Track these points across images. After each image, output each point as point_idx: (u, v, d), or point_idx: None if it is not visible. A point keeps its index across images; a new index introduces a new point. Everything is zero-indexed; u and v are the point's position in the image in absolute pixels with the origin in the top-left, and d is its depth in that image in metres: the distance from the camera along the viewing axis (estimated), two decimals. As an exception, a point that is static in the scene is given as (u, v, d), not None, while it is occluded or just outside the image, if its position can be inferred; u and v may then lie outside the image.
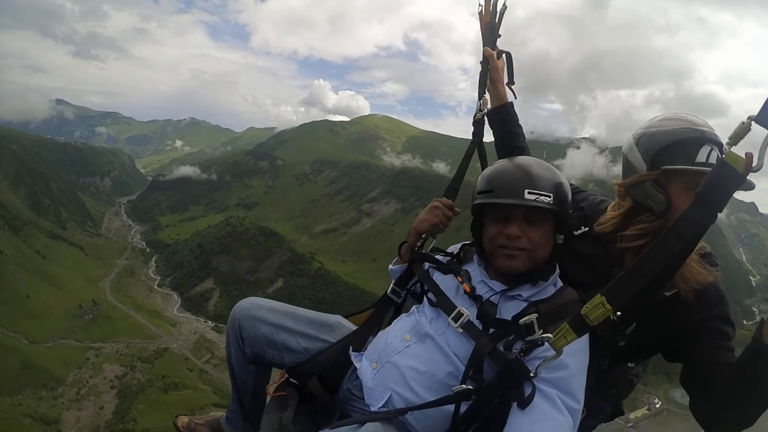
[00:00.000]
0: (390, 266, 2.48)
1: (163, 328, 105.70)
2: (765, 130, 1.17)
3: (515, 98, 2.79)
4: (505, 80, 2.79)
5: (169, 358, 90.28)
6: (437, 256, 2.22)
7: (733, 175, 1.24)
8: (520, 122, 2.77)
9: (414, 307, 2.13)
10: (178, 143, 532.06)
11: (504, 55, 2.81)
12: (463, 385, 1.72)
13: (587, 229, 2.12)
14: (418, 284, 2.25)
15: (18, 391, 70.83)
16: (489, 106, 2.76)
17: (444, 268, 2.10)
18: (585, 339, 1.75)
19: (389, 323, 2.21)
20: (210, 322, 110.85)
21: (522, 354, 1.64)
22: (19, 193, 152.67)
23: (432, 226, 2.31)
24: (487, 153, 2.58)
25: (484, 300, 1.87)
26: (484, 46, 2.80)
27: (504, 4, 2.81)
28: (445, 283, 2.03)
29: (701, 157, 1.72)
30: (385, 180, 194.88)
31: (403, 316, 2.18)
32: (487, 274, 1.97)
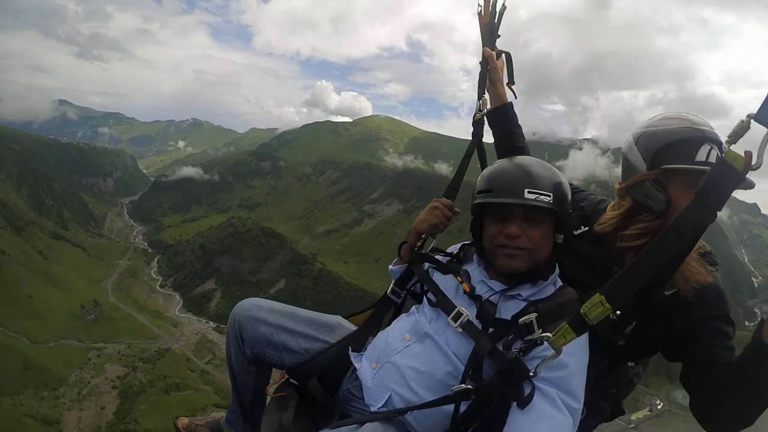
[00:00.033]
0: (390, 267, 2.48)
1: (164, 328, 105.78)
2: (764, 128, 1.17)
3: (515, 98, 2.79)
4: (505, 80, 2.79)
5: (170, 359, 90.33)
6: (437, 257, 2.22)
7: (732, 173, 1.23)
8: (520, 122, 2.76)
9: (414, 308, 2.13)
10: (181, 144, 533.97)
11: (503, 55, 2.81)
12: (463, 385, 1.71)
13: (587, 228, 2.12)
14: (418, 284, 2.25)
15: (20, 391, 70.91)
16: (488, 106, 2.76)
17: (444, 268, 2.10)
18: (584, 338, 1.74)
19: (389, 323, 2.21)
20: (212, 323, 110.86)
21: (521, 353, 1.64)
22: (21, 194, 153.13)
23: (431, 226, 2.31)
24: (488, 153, 2.58)
25: (483, 300, 1.87)
26: (483, 46, 2.80)
27: (503, 4, 2.80)
28: (445, 283, 2.02)
29: (701, 156, 1.71)
30: (387, 181, 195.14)
31: (402, 316, 2.17)
32: (487, 273, 1.97)
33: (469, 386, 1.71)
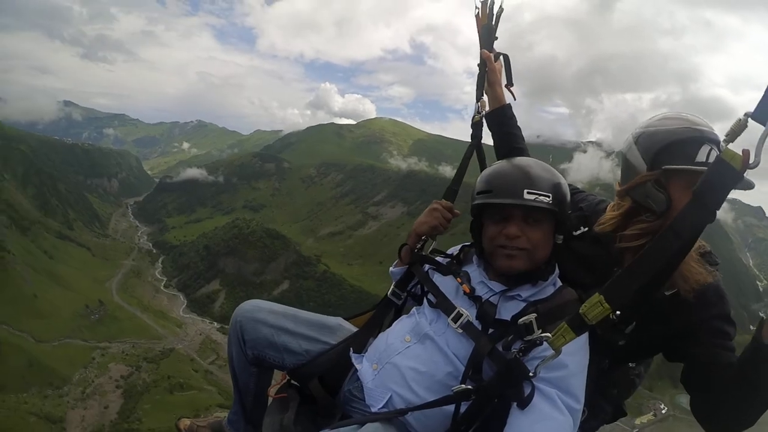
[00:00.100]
0: (390, 268, 2.48)
1: (168, 328, 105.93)
2: (762, 126, 1.16)
3: (514, 100, 2.78)
4: (504, 82, 2.78)
5: (174, 359, 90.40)
6: (437, 258, 2.22)
7: (730, 172, 1.23)
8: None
9: (414, 309, 2.13)
10: (185, 145, 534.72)
11: (502, 57, 2.80)
12: (463, 385, 1.72)
13: (587, 229, 2.12)
14: (418, 286, 2.26)
15: (24, 389, 71.18)
16: (487, 108, 2.76)
17: (444, 270, 2.10)
18: (584, 338, 1.74)
19: (390, 325, 2.21)
20: (216, 324, 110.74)
21: (521, 354, 1.64)
22: (27, 194, 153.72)
23: (431, 228, 2.32)
24: (487, 155, 2.57)
25: (483, 300, 1.87)
26: (481, 48, 2.79)
27: (500, 6, 2.77)
28: (445, 284, 2.03)
29: (701, 156, 1.72)
30: (391, 183, 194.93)
31: (403, 317, 2.18)
32: (487, 274, 1.97)
33: (469, 387, 1.71)
